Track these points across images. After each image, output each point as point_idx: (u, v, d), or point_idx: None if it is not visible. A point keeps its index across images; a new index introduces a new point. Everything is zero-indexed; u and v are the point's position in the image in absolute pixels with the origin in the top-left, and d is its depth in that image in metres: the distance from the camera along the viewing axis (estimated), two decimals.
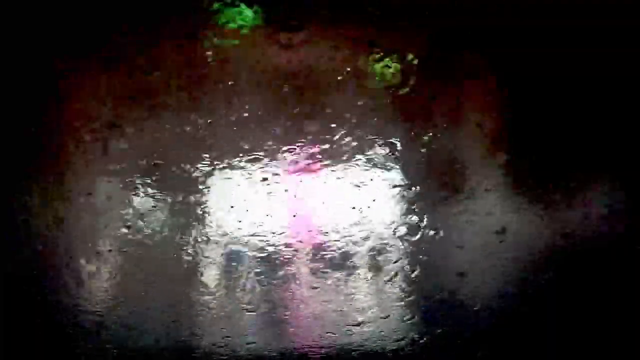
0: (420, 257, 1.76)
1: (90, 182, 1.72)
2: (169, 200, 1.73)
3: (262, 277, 1.74)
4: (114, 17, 1.71)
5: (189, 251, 1.73)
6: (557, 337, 1.77)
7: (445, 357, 1.78)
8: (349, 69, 1.74)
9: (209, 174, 1.73)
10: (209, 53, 1.73)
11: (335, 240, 1.75)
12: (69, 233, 1.72)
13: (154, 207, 1.73)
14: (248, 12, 1.72)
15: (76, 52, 1.72)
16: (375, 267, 1.76)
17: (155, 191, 1.73)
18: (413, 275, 1.76)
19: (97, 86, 1.73)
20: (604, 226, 1.77)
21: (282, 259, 1.74)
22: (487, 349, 1.77)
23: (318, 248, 1.75)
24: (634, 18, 1.74)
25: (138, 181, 1.72)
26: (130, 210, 1.72)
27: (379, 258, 1.76)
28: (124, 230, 1.72)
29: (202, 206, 1.73)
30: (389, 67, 1.75)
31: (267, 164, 1.73)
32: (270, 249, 1.74)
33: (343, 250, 1.75)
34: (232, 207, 1.73)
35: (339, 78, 1.74)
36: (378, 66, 1.75)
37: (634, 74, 1.77)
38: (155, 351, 1.75)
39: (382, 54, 1.75)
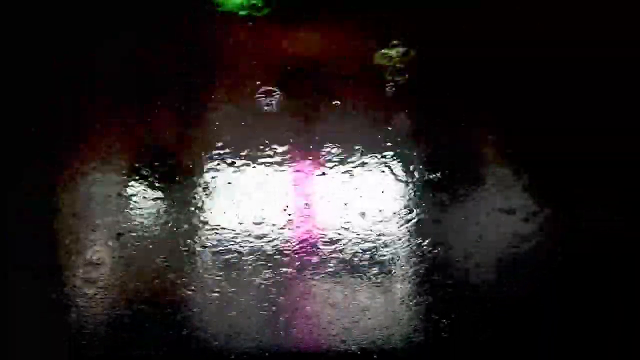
0: (423, 256, 1.75)
1: (92, 178, 1.73)
2: (170, 197, 1.73)
3: (263, 275, 1.74)
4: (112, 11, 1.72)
5: (188, 249, 1.73)
6: (559, 336, 1.76)
7: (446, 355, 1.78)
8: (357, 62, 1.74)
9: (209, 170, 1.73)
10: (210, 45, 1.73)
11: (338, 239, 1.74)
12: (70, 232, 1.73)
13: (155, 203, 1.73)
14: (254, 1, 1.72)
15: (75, 50, 1.72)
16: (378, 267, 1.75)
17: (157, 187, 1.73)
18: (415, 275, 1.76)
19: (98, 80, 1.73)
20: (607, 226, 1.77)
21: (283, 257, 1.74)
22: (489, 347, 1.77)
23: (320, 247, 1.74)
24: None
25: (139, 177, 1.72)
26: (132, 207, 1.72)
27: (381, 257, 1.75)
28: (125, 227, 1.73)
29: (202, 203, 1.73)
30: (399, 61, 1.74)
31: (268, 160, 1.73)
32: (272, 247, 1.74)
33: (345, 248, 1.75)
34: (232, 204, 1.73)
35: (346, 71, 1.74)
36: (387, 59, 1.74)
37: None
38: (159, 349, 1.75)
39: (391, 47, 1.74)
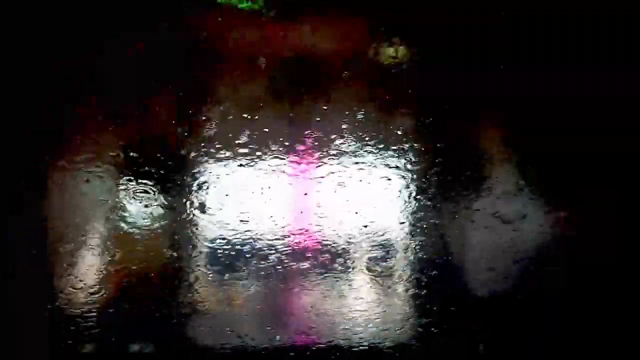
0: (423, 256, 1.76)
1: (87, 179, 1.72)
2: (167, 196, 1.72)
3: (262, 275, 1.74)
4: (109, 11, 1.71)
5: (186, 249, 1.73)
6: (558, 335, 1.77)
7: (446, 354, 1.79)
8: (354, 57, 1.73)
9: (208, 169, 1.72)
10: (208, 40, 1.72)
11: (339, 239, 1.74)
12: (68, 233, 1.72)
13: (153, 203, 1.72)
14: None
15: (73, 49, 1.71)
16: (376, 267, 1.76)
17: (153, 187, 1.72)
18: (414, 275, 1.76)
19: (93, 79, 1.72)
20: (609, 227, 1.77)
21: (282, 257, 1.74)
22: (489, 345, 1.78)
23: (319, 246, 1.74)
24: None
25: (137, 177, 1.72)
26: (129, 208, 1.72)
27: (380, 257, 1.75)
28: (123, 227, 1.72)
29: (199, 202, 1.72)
30: (397, 57, 1.74)
31: (268, 158, 1.73)
32: (271, 246, 1.74)
33: (344, 248, 1.75)
34: (231, 203, 1.73)
35: (343, 67, 1.73)
36: (386, 55, 1.74)
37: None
38: (156, 351, 1.75)
39: (390, 42, 1.74)
